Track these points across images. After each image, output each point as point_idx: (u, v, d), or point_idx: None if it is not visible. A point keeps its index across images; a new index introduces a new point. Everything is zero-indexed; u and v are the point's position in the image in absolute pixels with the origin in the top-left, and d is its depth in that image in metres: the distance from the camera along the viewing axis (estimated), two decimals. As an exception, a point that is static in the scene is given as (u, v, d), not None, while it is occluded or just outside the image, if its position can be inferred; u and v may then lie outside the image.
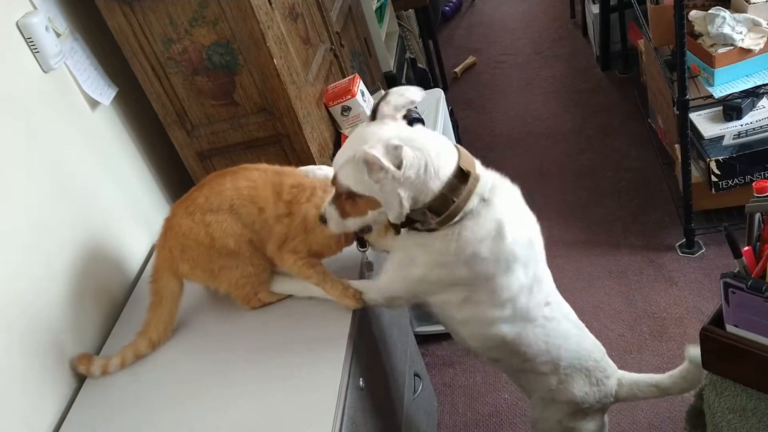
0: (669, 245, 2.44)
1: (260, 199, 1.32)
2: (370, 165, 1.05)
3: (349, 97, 1.92)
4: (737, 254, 1.06)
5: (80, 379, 1.36)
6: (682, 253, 2.39)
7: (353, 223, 1.19)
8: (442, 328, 2.29)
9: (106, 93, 1.65)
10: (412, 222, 1.18)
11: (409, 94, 1.15)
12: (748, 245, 1.08)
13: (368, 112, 1.96)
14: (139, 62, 1.61)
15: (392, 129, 1.11)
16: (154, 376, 1.33)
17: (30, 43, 1.40)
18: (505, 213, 1.16)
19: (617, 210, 2.68)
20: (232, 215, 1.31)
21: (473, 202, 1.13)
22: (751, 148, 2.17)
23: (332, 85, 2.00)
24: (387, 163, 1.04)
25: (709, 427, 1.14)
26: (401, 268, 1.24)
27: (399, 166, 1.05)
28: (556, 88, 3.70)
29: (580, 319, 1.40)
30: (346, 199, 1.16)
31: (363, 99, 1.96)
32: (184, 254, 1.34)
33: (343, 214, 1.18)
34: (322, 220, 1.20)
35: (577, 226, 2.65)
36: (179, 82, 1.65)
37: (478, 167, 1.17)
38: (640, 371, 2.01)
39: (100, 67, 1.66)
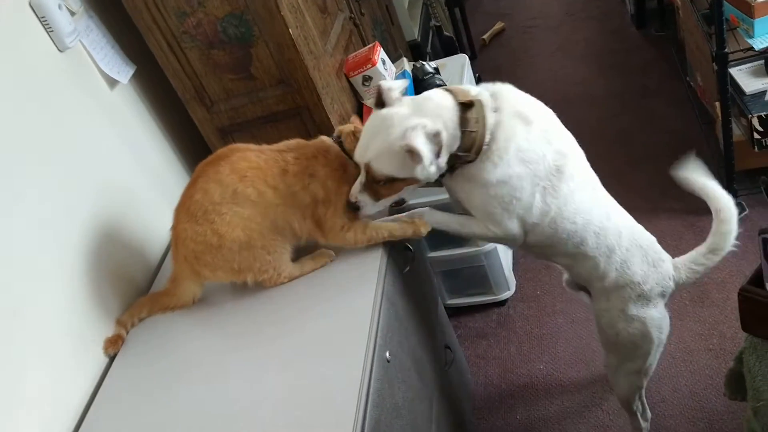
0: (710, 208, 2.33)
1: (270, 178, 1.27)
2: (413, 156, 1.14)
3: (370, 65, 1.87)
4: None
5: (104, 364, 1.36)
6: (724, 215, 2.28)
7: (388, 201, 1.29)
8: (475, 299, 2.31)
9: (124, 71, 1.64)
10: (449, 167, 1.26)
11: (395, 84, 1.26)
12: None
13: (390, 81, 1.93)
14: (155, 37, 1.60)
15: (407, 109, 1.20)
16: (177, 348, 1.33)
17: (44, 22, 1.40)
18: (517, 104, 1.27)
19: (655, 174, 2.58)
20: (237, 201, 1.26)
21: (489, 120, 1.22)
22: (797, 102, 2.06)
23: (352, 54, 1.95)
24: (430, 154, 1.15)
25: (750, 391, 1.09)
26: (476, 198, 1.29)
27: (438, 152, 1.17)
28: (589, 50, 3.57)
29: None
30: (382, 185, 1.23)
31: (384, 67, 1.91)
32: (199, 261, 1.31)
33: (378, 197, 1.26)
34: (354, 208, 1.26)
35: (613, 192, 2.50)
36: (196, 57, 1.63)
37: (471, 89, 1.27)
38: (681, 338, 1.97)
39: (117, 45, 1.65)
